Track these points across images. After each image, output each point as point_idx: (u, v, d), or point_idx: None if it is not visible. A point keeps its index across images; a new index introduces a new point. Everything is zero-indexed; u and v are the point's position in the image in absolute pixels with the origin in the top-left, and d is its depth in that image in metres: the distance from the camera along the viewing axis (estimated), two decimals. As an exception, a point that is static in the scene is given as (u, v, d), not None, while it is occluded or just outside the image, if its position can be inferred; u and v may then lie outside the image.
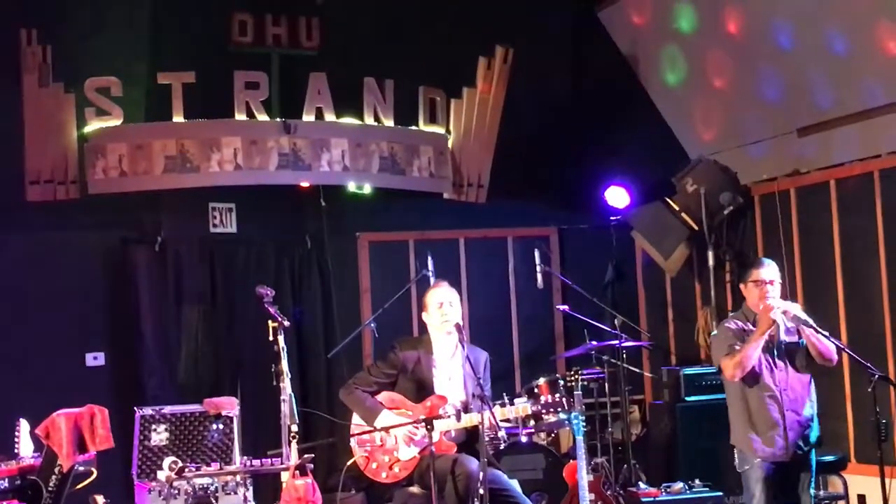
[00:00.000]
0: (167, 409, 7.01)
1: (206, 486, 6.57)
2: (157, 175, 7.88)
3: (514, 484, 6.22)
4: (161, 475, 6.32)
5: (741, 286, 6.10)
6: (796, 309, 5.82)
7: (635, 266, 9.45)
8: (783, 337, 5.91)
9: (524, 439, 7.31)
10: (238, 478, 6.59)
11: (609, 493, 7.11)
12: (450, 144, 8.73)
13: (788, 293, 7.46)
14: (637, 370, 8.42)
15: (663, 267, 9.03)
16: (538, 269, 8.11)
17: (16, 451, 6.09)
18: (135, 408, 7.02)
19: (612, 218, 8.88)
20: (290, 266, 8.51)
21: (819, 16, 7.43)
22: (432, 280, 7.60)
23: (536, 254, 8.16)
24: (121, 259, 8.10)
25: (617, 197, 8.75)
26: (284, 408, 5.80)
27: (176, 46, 8.07)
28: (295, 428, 5.78)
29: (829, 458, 7.03)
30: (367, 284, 8.83)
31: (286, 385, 5.82)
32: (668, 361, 9.10)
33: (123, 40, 7.95)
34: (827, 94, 7.76)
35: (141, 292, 8.08)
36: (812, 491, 5.99)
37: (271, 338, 5.87)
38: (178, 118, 7.90)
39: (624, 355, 7.74)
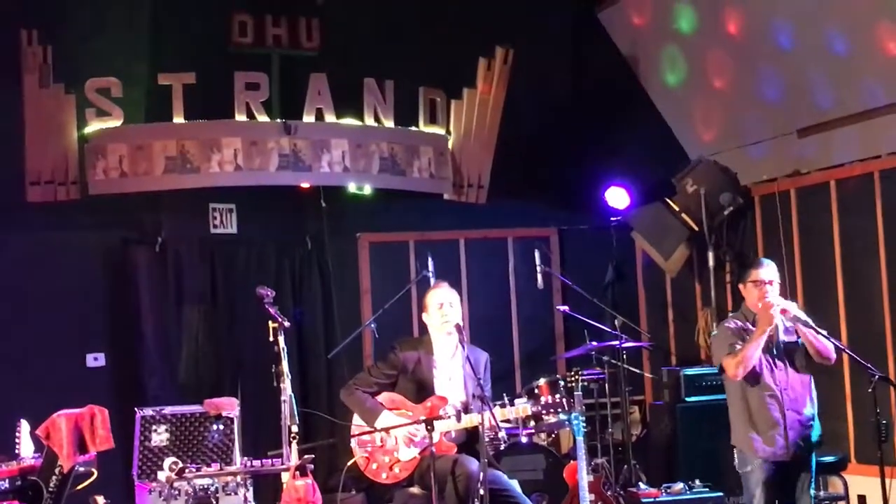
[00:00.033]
0: (168, 410, 7.01)
1: (206, 486, 6.57)
2: (157, 176, 7.88)
3: (515, 484, 6.22)
4: (161, 476, 6.32)
5: (740, 286, 6.10)
6: (794, 308, 5.83)
7: (635, 267, 9.45)
8: (782, 337, 5.91)
9: (524, 440, 7.31)
10: (238, 478, 6.59)
11: (609, 493, 7.11)
12: (450, 145, 8.73)
13: (788, 294, 7.47)
14: (637, 371, 8.42)
15: (663, 267, 9.03)
16: (538, 269, 8.11)
17: (16, 451, 6.10)
18: (135, 408, 7.02)
19: (612, 218, 8.88)
20: (290, 267, 8.52)
21: (819, 16, 7.43)
22: (432, 281, 7.61)
23: (536, 254, 8.17)
24: (121, 259, 8.10)
25: (617, 197, 8.75)
26: (285, 408, 5.80)
27: (176, 47, 8.07)
28: (295, 428, 5.78)
29: (830, 458, 7.04)
30: (368, 285, 8.83)
31: (286, 386, 5.82)
32: (669, 362, 9.10)
33: (124, 41, 7.95)
34: (827, 95, 7.76)
35: (141, 293, 8.08)
36: (812, 491, 5.99)
37: (272, 338, 5.88)
38: (178, 119, 7.90)
39: (624, 356, 7.74)
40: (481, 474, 5.64)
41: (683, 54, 8.76)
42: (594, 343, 7.71)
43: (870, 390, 5.64)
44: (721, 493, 7.34)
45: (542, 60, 8.93)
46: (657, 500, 7.36)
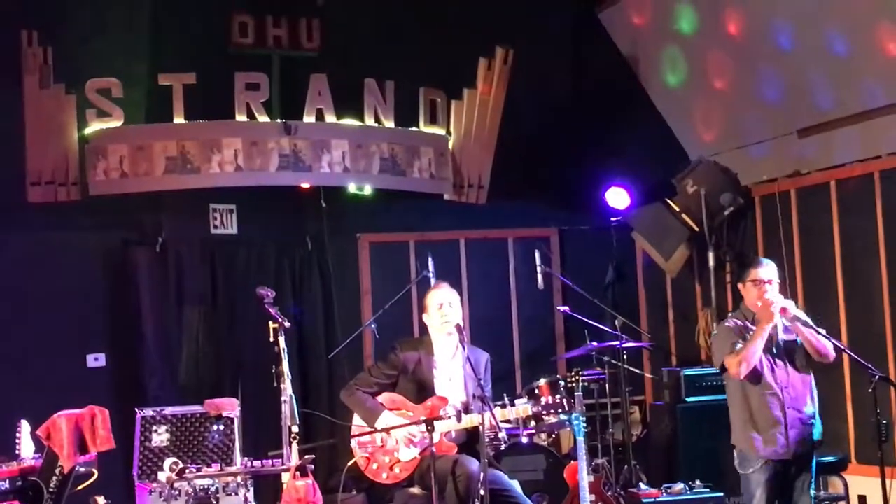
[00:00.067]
0: (168, 410, 7.01)
1: (206, 487, 6.57)
2: (157, 176, 7.88)
3: (515, 485, 6.22)
4: (162, 476, 6.34)
5: (739, 285, 6.11)
6: (792, 306, 5.84)
7: (636, 267, 9.45)
8: (782, 336, 5.92)
9: (525, 440, 7.31)
10: (239, 479, 6.59)
11: (610, 493, 7.10)
12: (450, 145, 8.73)
13: (789, 294, 7.46)
14: (638, 371, 8.42)
15: (664, 268, 9.03)
16: (539, 269, 8.11)
17: (17, 452, 6.11)
18: (135, 409, 7.01)
19: (612, 219, 8.88)
20: (290, 267, 8.52)
21: (819, 16, 7.43)
22: (433, 281, 7.61)
23: (537, 255, 8.16)
24: (121, 260, 8.10)
25: (617, 198, 8.75)
26: (285, 409, 5.81)
27: (176, 48, 8.07)
28: (295, 429, 5.79)
29: (830, 458, 7.04)
30: (368, 285, 8.84)
31: (287, 386, 5.83)
32: (669, 362, 9.10)
33: (124, 41, 7.95)
34: (827, 95, 7.76)
35: (142, 293, 8.08)
36: (812, 492, 5.99)
37: (272, 339, 5.88)
38: (178, 119, 7.91)
39: (624, 356, 7.74)
40: (482, 474, 5.64)
41: (684, 55, 8.76)
42: (594, 343, 7.72)
43: (870, 390, 5.64)
44: (721, 494, 7.33)
45: (543, 60, 8.93)
46: (657, 500, 7.35)
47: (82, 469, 6.04)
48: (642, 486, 7.62)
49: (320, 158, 8.22)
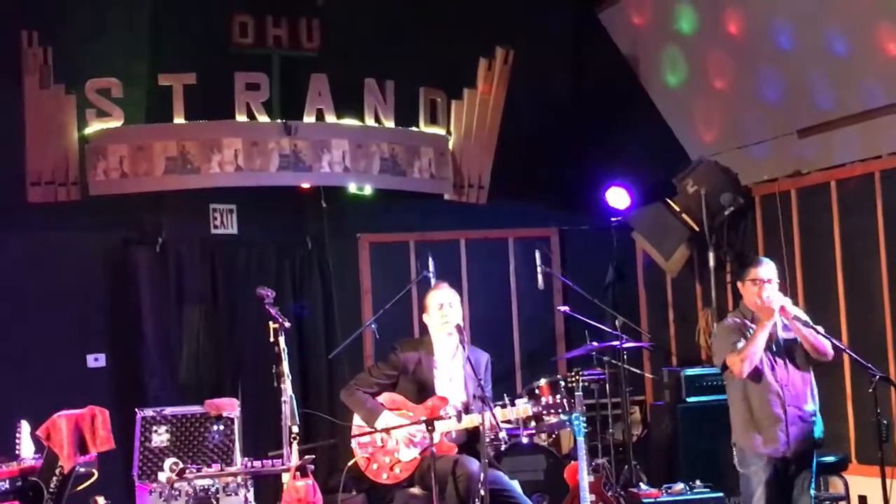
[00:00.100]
0: (168, 411, 7.01)
1: (206, 487, 6.57)
2: (157, 176, 7.88)
3: (515, 485, 6.22)
4: (162, 476, 6.34)
5: (739, 284, 6.11)
6: (789, 304, 5.84)
7: (636, 267, 9.45)
8: (781, 334, 5.93)
9: (525, 440, 7.31)
10: (239, 479, 6.59)
11: (610, 493, 7.11)
12: (450, 145, 8.73)
13: (789, 294, 7.46)
14: (638, 371, 8.42)
15: (664, 268, 9.02)
16: (539, 270, 8.11)
17: (17, 452, 6.11)
18: (136, 409, 7.01)
19: (612, 219, 8.88)
20: (290, 267, 8.52)
21: (819, 16, 7.43)
22: (433, 281, 7.60)
23: (537, 255, 8.16)
24: (122, 260, 8.10)
25: (617, 198, 8.75)
26: (285, 409, 5.81)
27: (176, 48, 8.07)
28: (296, 429, 5.79)
29: (830, 458, 7.03)
30: (368, 285, 8.83)
31: (287, 386, 5.83)
32: (669, 362, 9.10)
33: (124, 41, 7.95)
34: (827, 95, 7.76)
35: (142, 293, 8.08)
36: (812, 492, 5.99)
37: (272, 339, 5.88)
38: (178, 119, 7.91)
39: (625, 356, 7.74)
40: (482, 475, 5.64)
41: (684, 55, 8.75)
42: (595, 343, 7.72)
43: (870, 390, 5.64)
44: (722, 494, 7.33)
45: (543, 60, 8.93)
46: (658, 500, 7.35)
47: (82, 469, 6.04)
48: (643, 486, 7.62)
49: (320, 158, 8.22)
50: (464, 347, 6.15)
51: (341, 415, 6.79)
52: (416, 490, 6.14)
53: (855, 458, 7.61)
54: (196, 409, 7.02)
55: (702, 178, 8.41)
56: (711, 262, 8.48)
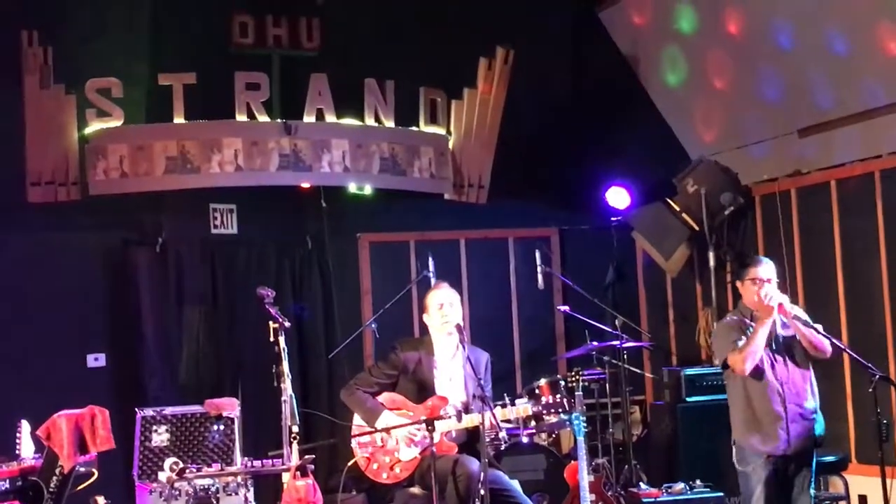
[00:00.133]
0: (168, 410, 7.01)
1: (206, 486, 6.57)
2: (157, 176, 7.88)
3: (515, 484, 6.22)
4: (162, 476, 6.34)
5: (738, 284, 6.12)
6: (787, 302, 5.84)
7: (636, 267, 9.45)
8: (780, 331, 5.94)
9: (525, 440, 7.31)
10: (239, 479, 6.59)
11: (610, 493, 7.11)
12: (450, 145, 8.73)
13: (789, 293, 7.46)
14: (638, 371, 8.42)
15: (664, 267, 9.02)
16: (539, 269, 8.11)
17: (17, 452, 6.11)
18: (136, 409, 7.01)
19: (612, 218, 8.88)
20: (290, 267, 8.51)
21: (819, 16, 7.43)
22: (433, 281, 7.61)
23: (537, 254, 8.17)
24: (121, 260, 8.10)
25: (618, 197, 8.75)
26: (285, 409, 5.81)
27: (176, 47, 8.07)
28: (296, 429, 5.79)
29: (830, 458, 7.03)
30: (368, 285, 8.83)
31: (287, 386, 5.83)
32: (669, 362, 9.10)
33: (124, 41, 7.95)
34: (827, 95, 7.76)
35: (142, 293, 8.08)
36: (812, 491, 5.99)
37: (272, 339, 5.88)
38: (178, 119, 7.91)
39: (625, 356, 7.74)
40: (482, 474, 5.64)
41: (684, 54, 8.75)
42: (595, 343, 7.72)
43: (870, 390, 5.64)
44: (722, 494, 7.33)
45: (543, 60, 8.93)
46: (658, 500, 7.35)
47: (82, 469, 6.04)
48: (643, 485, 7.62)
49: (320, 158, 8.22)
50: (464, 347, 6.15)
51: (341, 414, 6.79)
52: (416, 490, 6.14)
53: (855, 457, 7.61)
54: (196, 408, 7.02)
55: (702, 177, 8.41)
56: (711, 262, 8.48)
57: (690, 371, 8.13)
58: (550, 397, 6.50)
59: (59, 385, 7.48)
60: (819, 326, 5.87)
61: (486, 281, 9.05)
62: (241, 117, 8.02)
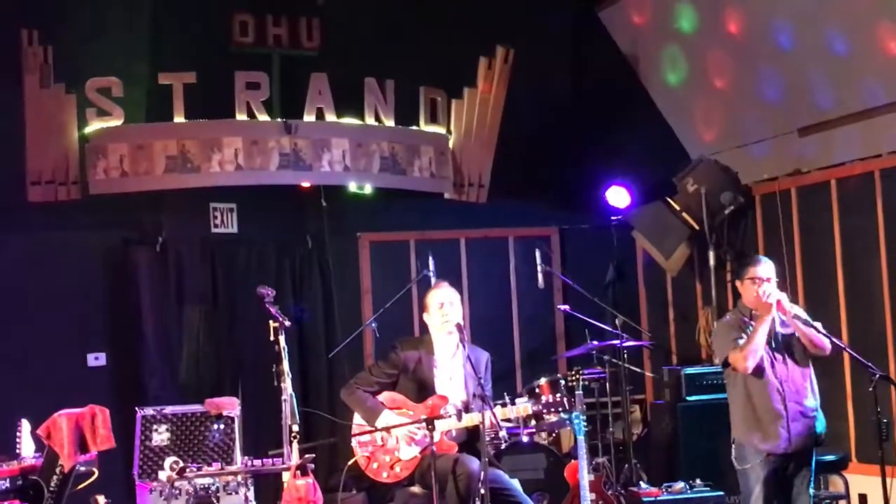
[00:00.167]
0: (168, 410, 7.01)
1: (207, 486, 6.57)
2: (158, 175, 7.88)
3: (515, 483, 6.22)
4: (162, 475, 6.34)
5: (737, 283, 6.12)
6: (785, 299, 5.85)
7: (636, 266, 9.45)
8: (779, 329, 5.94)
9: (525, 439, 7.31)
10: (239, 478, 6.59)
11: (610, 492, 7.11)
12: (450, 144, 8.73)
13: (789, 293, 7.46)
14: (638, 370, 8.42)
15: (664, 267, 9.03)
16: (539, 269, 8.11)
17: (17, 451, 6.11)
18: (136, 408, 7.02)
19: (612, 218, 8.88)
20: (291, 266, 8.52)
21: (819, 16, 7.43)
22: (433, 280, 7.61)
23: (537, 254, 8.16)
24: (122, 259, 8.10)
25: (618, 197, 8.75)
26: (285, 408, 5.81)
27: (176, 47, 8.07)
28: (296, 428, 5.79)
29: (831, 457, 7.03)
30: (368, 284, 8.83)
31: (287, 385, 5.83)
32: (669, 361, 9.10)
33: (124, 41, 7.96)
34: (827, 94, 7.76)
35: (142, 292, 8.09)
36: (812, 490, 5.99)
37: (272, 338, 5.88)
38: (179, 118, 7.91)
39: (625, 355, 7.74)
40: (482, 473, 5.64)
41: (684, 54, 8.75)
42: (595, 342, 7.72)
43: (870, 389, 5.64)
44: (722, 493, 7.33)
45: (543, 60, 8.93)
46: (658, 499, 7.35)
47: (83, 468, 6.04)
48: (643, 484, 7.62)
49: (320, 157, 8.22)
50: (464, 346, 6.15)
51: (341, 414, 6.79)
52: (416, 489, 6.14)
53: (855, 456, 7.61)
54: (196, 407, 7.03)
55: (702, 176, 8.42)
56: (711, 261, 8.49)
57: (690, 370, 8.14)
58: (550, 396, 6.49)
59: (59, 384, 7.49)
60: (818, 325, 5.88)
61: (487, 280, 9.05)
62: (242, 116, 8.03)
